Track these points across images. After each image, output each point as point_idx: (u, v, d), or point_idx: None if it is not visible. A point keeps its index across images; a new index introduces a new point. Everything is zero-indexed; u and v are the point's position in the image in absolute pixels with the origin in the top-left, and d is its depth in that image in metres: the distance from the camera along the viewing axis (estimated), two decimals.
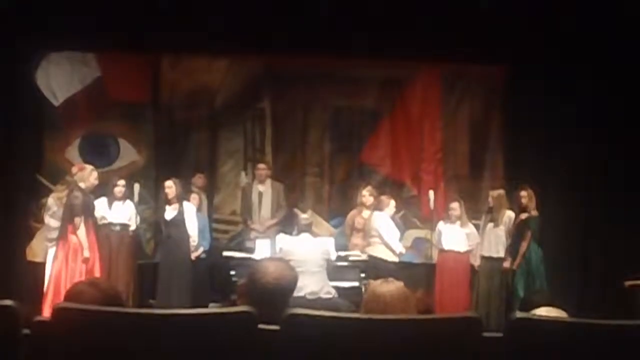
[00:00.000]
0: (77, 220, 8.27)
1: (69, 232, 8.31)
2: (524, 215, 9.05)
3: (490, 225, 9.24)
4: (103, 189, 9.04)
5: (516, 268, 9.01)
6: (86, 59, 10.45)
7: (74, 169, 8.78)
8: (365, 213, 9.41)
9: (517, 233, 9.07)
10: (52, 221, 8.81)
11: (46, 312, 7.12)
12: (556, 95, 9.71)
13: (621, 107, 9.37)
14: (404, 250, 9.37)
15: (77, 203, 8.30)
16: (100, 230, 8.77)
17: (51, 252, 8.67)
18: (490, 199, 9.35)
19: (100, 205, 8.94)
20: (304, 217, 8.27)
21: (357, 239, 9.43)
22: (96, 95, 10.46)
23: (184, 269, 9.04)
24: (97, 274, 8.20)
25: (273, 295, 3.22)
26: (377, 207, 9.27)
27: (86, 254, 8.24)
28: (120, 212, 9.22)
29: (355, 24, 9.63)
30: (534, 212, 9.02)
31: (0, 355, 2.49)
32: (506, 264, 9.10)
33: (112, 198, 9.16)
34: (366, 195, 9.45)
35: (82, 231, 8.27)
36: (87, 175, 8.55)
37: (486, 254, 9.24)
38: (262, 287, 3.26)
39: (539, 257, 8.96)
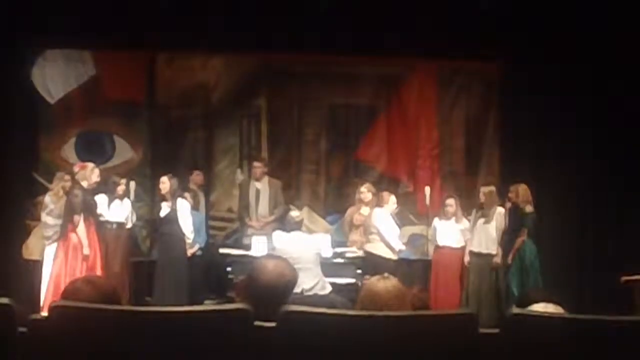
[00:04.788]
0: (76, 218, 8.33)
1: (69, 230, 8.36)
2: (517, 211, 9.03)
3: (481, 221, 9.20)
4: (101, 187, 9.04)
5: (507, 262, 8.99)
6: (82, 56, 10.45)
7: (76, 168, 8.83)
8: (364, 210, 9.41)
9: (511, 229, 9.05)
10: (49, 219, 8.82)
11: (46, 311, 7.12)
12: (553, 92, 9.72)
13: (618, 102, 9.37)
14: (403, 248, 9.37)
15: (77, 201, 8.36)
16: (98, 229, 8.78)
17: (49, 249, 8.70)
18: (481, 195, 9.30)
19: (99, 203, 8.94)
20: (294, 215, 8.26)
21: (355, 236, 9.44)
22: (92, 93, 10.46)
23: (179, 266, 9.04)
24: (98, 271, 8.23)
25: (272, 293, 3.21)
26: (378, 203, 9.27)
27: (86, 251, 8.29)
28: (117, 211, 9.23)
29: (351, 21, 9.64)
30: (529, 209, 9.01)
31: None
32: (497, 260, 9.08)
33: (112, 197, 9.17)
34: (364, 192, 9.45)
35: (81, 229, 8.33)
36: (89, 174, 8.62)
37: (476, 250, 9.21)
38: (261, 285, 3.26)
39: (533, 254, 8.94)
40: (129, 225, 9.39)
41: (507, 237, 9.07)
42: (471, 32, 9.60)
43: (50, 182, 9.36)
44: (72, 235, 8.34)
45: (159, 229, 9.25)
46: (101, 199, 9.02)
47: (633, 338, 2.50)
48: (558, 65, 9.64)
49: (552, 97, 9.73)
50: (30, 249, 9.67)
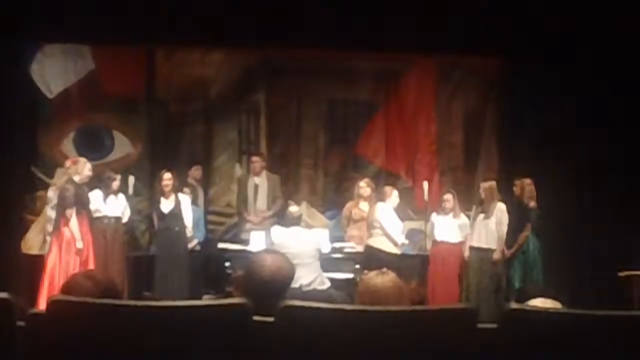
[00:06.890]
0: (68, 212, 8.34)
1: (62, 224, 8.37)
2: (521, 206, 9.04)
3: (481, 216, 9.20)
4: (97, 182, 9.03)
5: (504, 257, 9.00)
6: (81, 51, 10.45)
7: (67, 163, 8.83)
8: (363, 204, 9.42)
9: (515, 224, 9.05)
10: (52, 213, 8.86)
11: (41, 305, 7.13)
12: (552, 88, 9.70)
13: (618, 99, 9.36)
14: (406, 242, 9.37)
15: (69, 195, 8.37)
16: (95, 223, 8.78)
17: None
18: (481, 191, 9.30)
19: (95, 199, 8.94)
20: (293, 210, 8.26)
21: (354, 231, 9.44)
22: (91, 88, 10.46)
23: (182, 260, 9.08)
24: (91, 265, 8.24)
25: (270, 288, 3.21)
26: (380, 197, 9.27)
27: (79, 245, 8.29)
28: (113, 206, 9.22)
29: (350, 16, 9.62)
30: (533, 204, 9.01)
31: None
32: (496, 255, 9.08)
33: (107, 191, 9.16)
34: (364, 186, 9.46)
35: (74, 223, 8.34)
36: (81, 168, 8.61)
37: (476, 245, 9.21)
38: (259, 279, 3.26)
39: (536, 249, 8.95)
40: (124, 220, 9.38)
41: (511, 232, 9.07)
42: (470, 28, 9.58)
43: (49, 176, 9.38)
44: (65, 229, 8.36)
45: (163, 224, 9.22)
46: (96, 195, 9.00)
47: (630, 333, 2.51)
48: (558, 63, 9.62)
49: (550, 93, 9.71)
50: (29, 243, 9.71)
